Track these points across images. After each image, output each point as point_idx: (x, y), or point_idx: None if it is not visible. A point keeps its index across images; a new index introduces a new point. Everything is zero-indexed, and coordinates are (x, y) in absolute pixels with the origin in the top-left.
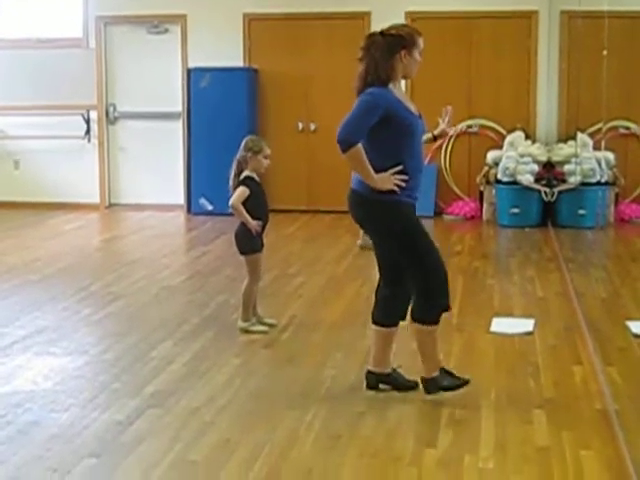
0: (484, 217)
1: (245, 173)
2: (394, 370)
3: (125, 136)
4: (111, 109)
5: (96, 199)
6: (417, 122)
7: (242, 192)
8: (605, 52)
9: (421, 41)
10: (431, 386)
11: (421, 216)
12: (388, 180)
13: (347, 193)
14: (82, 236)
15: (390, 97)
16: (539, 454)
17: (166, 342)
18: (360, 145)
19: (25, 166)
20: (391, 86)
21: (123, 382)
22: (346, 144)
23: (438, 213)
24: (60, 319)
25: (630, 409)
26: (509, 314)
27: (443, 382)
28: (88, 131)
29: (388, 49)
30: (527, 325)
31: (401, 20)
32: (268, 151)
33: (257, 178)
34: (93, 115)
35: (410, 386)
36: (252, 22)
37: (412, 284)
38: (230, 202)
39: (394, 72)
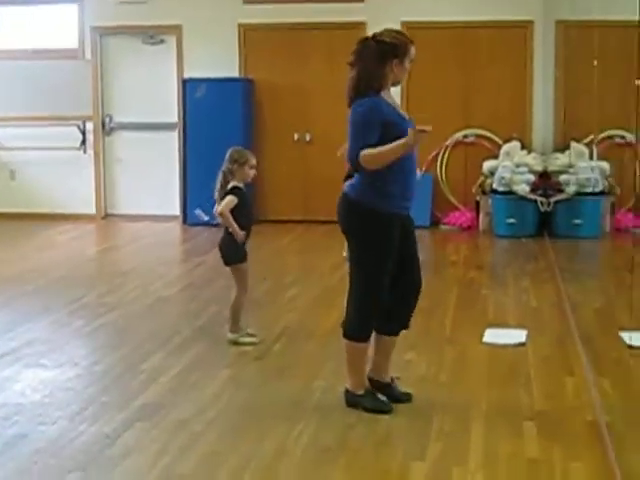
0: (480, 227)
1: (232, 184)
2: (392, 380)
3: (121, 147)
4: (107, 120)
5: (92, 210)
6: (405, 124)
7: (230, 201)
8: (595, 62)
9: (413, 50)
10: (352, 400)
11: (417, 227)
12: (415, 136)
13: (338, 197)
14: (77, 247)
15: (383, 106)
16: (528, 467)
17: (157, 354)
18: (366, 150)
19: (21, 177)
20: (382, 94)
21: (112, 395)
22: (355, 164)
23: (434, 223)
24: (52, 331)
25: (621, 421)
26: (503, 325)
27: (365, 402)
28: (84, 142)
29: (381, 57)
30: (520, 336)
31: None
32: (254, 161)
33: (243, 188)
34: (89, 126)
35: (403, 399)
36: (247, 32)
37: (348, 295)
38: (218, 210)
39: (385, 80)
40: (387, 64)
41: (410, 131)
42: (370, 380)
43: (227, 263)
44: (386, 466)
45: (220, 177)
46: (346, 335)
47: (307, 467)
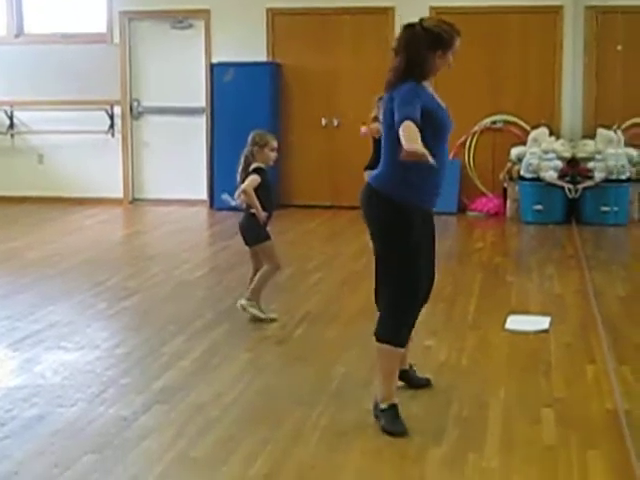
0: (507, 214)
1: (254, 165)
2: (410, 367)
3: (149, 131)
4: (135, 104)
5: (119, 194)
6: (447, 120)
7: (254, 179)
8: (619, 47)
9: (458, 42)
10: (376, 411)
11: (444, 213)
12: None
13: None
14: (104, 231)
15: (426, 93)
16: (545, 454)
17: (178, 337)
18: (411, 123)
19: (49, 161)
20: (425, 83)
21: (132, 377)
22: (401, 120)
23: (461, 209)
24: (74, 313)
25: None
26: (526, 311)
27: (383, 419)
28: (112, 126)
29: (428, 45)
30: (543, 323)
31: (425, 15)
32: (275, 144)
33: (266, 170)
34: (117, 110)
35: (422, 384)
36: (276, 16)
37: (382, 298)
38: (243, 187)
39: (432, 69)
40: (433, 53)
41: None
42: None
43: (250, 244)
44: (402, 451)
45: (242, 160)
46: (381, 338)
47: (323, 452)
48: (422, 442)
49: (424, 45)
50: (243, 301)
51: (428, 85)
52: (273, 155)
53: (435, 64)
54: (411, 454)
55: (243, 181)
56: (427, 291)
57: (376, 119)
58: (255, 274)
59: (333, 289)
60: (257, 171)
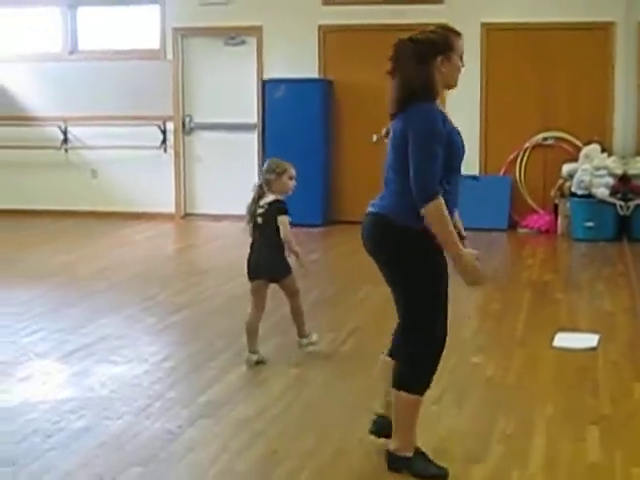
0: (559, 230)
1: (272, 197)
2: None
3: (201, 147)
4: (187, 120)
5: (171, 209)
6: (462, 146)
7: (287, 221)
8: None
9: (460, 43)
10: (398, 463)
11: (494, 229)
12: (472, 258)
13: (364, 218)
14: (155, 245)
15: (444, 119)
16: (589, 471)
17: (226, 352)
18: (441, 198)
19: (102, 176)
20: (437, 102)
21: (178, 391)
22: (424, 201)
23: (512, 226)
24: (124, 327)
25: None
26: (574, 329)
27: (416, 467)
28: (164, 141)
29: (421, 57)
30: (591, 340)
31: (476, 32)
32: (293, 172)
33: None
34: (169, 126)
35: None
36: (327, 34)
37: (402, 341)
38: (284, 237)
39: (434, 85)
40: (430, 65)
41: (473, 258)
42: (384, 417)
43: (281, 276)
44: (446, 467)
45: (256, 189)
46: (401, 386)
47: (365, 469)
48: (466, 459)
49: (417, 58)
50: (305, 341)
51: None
52: (292, 183)
53: (441, 74)
54: (455, 471)
55: (253, 214)
56: None
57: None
58: (258, 314)
59: (381, 304)
60: (280, 207)
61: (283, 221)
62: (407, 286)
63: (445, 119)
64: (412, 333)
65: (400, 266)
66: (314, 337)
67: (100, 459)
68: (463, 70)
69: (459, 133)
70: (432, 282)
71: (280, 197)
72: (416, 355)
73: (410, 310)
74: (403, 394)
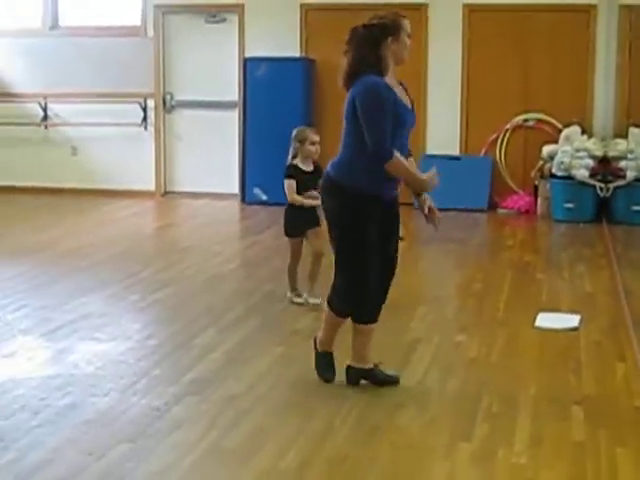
0: (538, 211)
1: (289, 162)
2: (375, 366)
3: (181, 124)
4: (168, 97)
5: (152, 186)
6: (407, 115)
7: (289, 186)
8: None
9: (406, 24)
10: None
11: (474, 209)
12: (432, 183)
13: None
14: (136, 223)
15: (391, 93)
16: (574, 450)
17: (210, 330)
18: (397, 155)
19: (82, 153)
20: (386, 78)
21: (164, 369)
22: (383, 160)
23: (492, 207)
24: (107, 305)
25: None
26: (556, 309)
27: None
28: (145, 119)
29: (373, 40)
30: (573, 321)
31: (458, 13)
32: (314, 137)
33: (303, 166)
34: (150, 103)
35: (392, 381)
36: (309, 12)
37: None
38: (288, 200)
39: (384, 62)
40: (382, 45)
41: (431, 177)
42: (350, 368)
43: (311, 226)
44: (432, 445)
45: (289, 157)
46: (331, 306)
47: (353, 445)
48: (452, 437)
49: (370, 41)
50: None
51: (391, 81)
52: (314, 148)
53: (391, 52)
54: (441, 449)
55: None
56: (390, 278)
57: None
58: (296, 265)
59: None
60: (289, 172)
61: (286, 186)
62: (339, 237)
63: (390, 89)
64: (338, 275)
65: (336, 218)
66: (311, 300)
67: (88, 435)
68: (441, 51)
69: (410, 106)
70: (360, 240)
71: (297, 163)
72: (340, 289)
73: (337, 254)
74: (327, 309)
